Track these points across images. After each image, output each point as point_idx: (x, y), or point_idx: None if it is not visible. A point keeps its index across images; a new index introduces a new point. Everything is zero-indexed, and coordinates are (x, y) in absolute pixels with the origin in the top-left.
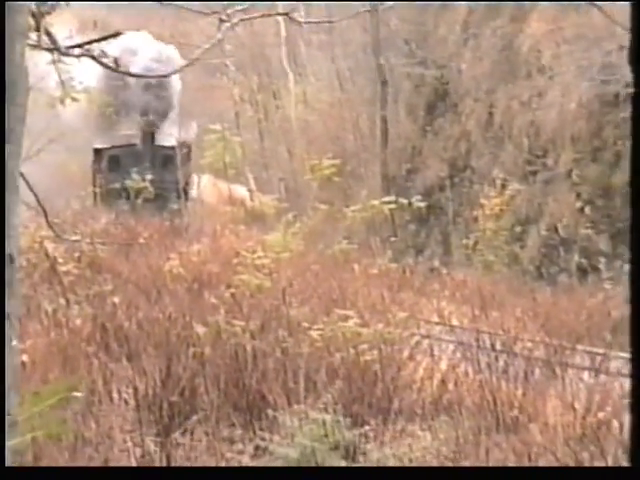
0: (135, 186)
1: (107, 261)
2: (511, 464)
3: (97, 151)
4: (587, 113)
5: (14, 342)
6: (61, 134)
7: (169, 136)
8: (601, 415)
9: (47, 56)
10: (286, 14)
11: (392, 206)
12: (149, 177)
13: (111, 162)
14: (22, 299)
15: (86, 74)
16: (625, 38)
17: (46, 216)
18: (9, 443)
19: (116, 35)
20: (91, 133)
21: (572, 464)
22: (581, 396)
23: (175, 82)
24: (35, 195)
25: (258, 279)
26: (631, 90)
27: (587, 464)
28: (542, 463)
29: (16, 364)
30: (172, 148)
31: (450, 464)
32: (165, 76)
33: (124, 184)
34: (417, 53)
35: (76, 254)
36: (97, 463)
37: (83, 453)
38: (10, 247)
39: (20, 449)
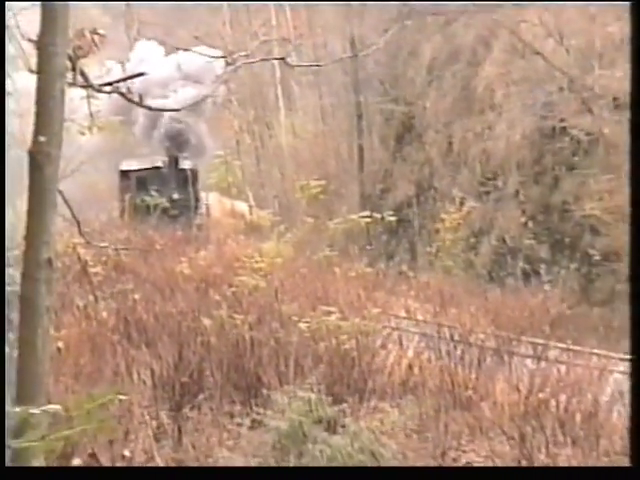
0: (154, 202)
1: (129, 264)
2: (465, 436)
3: (124, 172)
4: (530, 143)
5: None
6: (90, 158)
7: (185, 160)
8: (541, 395)
9: (79, 91)
10: (282, 59)
11: (368, 220)
12: (175, 196)
13: (139, 182)
14: (57, 296)
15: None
16: (563, 81)
17: (79, 226)
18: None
19: (140, 75)
20: (115, 157)
21: (515, 435)
22: (524, 379)
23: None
24: (70, 208)
25: (255, 280)
26: (566, 124)
27: (527, 436)
28: (491, 435)
29: (52, 350)
30: (189, 170)
31: (415, 436)
32: (178, 110)
33: (146, 200)
34: (389, 92)
35: (103, 258)
36: (120, 433)
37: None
38: (48, 252)
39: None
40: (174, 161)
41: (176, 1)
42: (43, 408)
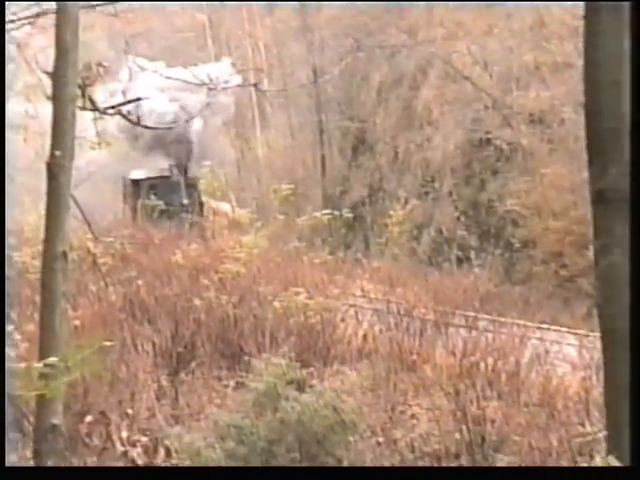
0: (166, 207)
1: (132, 255)
2: (411, 393)
3: (134, 181)
4: (461, 152)
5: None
6: (99, 168)
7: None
8: (473, 358)
9: (88, 113)
10: (255, 85)
11: (329, 216)
12: (185, 201)
13: (150, 189)
14: (74, 283)
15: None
16: (488, 101)
17: (89, 225)
18: (66, 379)
19: (138, 100)
20: (119, 168)
21: (451, 392)
22: (459, 346)
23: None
24: (81, 211)
25: (237, 267)
26: (490, 136)
27: (461, 392)
28: (431, 392)
29: (70, 327)
30: (193, 178)
31: (369, 394)
32: (170, 128)
33: (158, 205)
34: (345, 112)
35: (111, 251)
36: (127, 395)
37: (118, 387)
38: (63, 246)
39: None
40: (183, 169)
41: (177, 1)
42: (46, 361)
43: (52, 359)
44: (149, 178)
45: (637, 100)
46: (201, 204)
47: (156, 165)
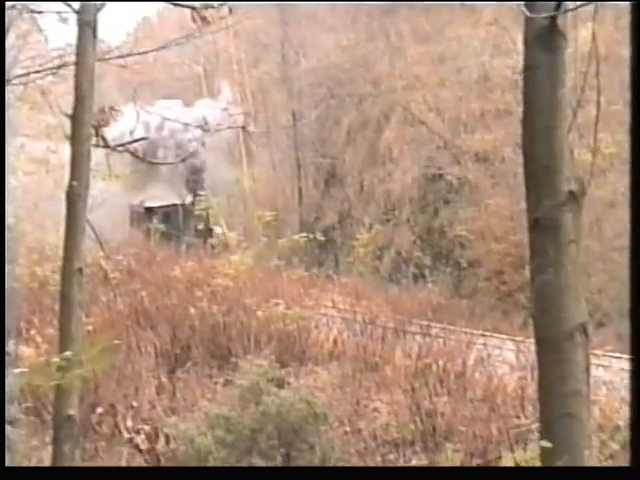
0: (154, 227)
1: (137, 271)
2: (373, 390)
3: (148, 209)
4: (417, 185)
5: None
6: (111, 196)
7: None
8: (426, 360)
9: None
10: (243, 127)
11: (305, 239)
12: (200, 227)
13: (164, 216)
14: (87, 294)
15: None
16: (440, 142)
17: (101, 245)
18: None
19: (143, 139)
20: (126, 197)
21: (408, 389)
22: (414, 349)
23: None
24: (95, 232)
25: (226, 282)
26: (442, 172)
27: (416, 389)
28: (391, 389)
29: (84, 331)
30: (205, 208)
31: (338, 390)
32: (173, 163)
33: (156, 228)
34: (319, 150)
35: (120, 267)
36: (132, 390)
37: (124, 383)
38: (80, 263)
39: (86, 379)
40: (197, 195)
41: (178, 1)
42: (63, 355)
43: (68, 353)
44: (161, 206)
45: (637, 100)
46: (210, 230)
47: (160, 194)
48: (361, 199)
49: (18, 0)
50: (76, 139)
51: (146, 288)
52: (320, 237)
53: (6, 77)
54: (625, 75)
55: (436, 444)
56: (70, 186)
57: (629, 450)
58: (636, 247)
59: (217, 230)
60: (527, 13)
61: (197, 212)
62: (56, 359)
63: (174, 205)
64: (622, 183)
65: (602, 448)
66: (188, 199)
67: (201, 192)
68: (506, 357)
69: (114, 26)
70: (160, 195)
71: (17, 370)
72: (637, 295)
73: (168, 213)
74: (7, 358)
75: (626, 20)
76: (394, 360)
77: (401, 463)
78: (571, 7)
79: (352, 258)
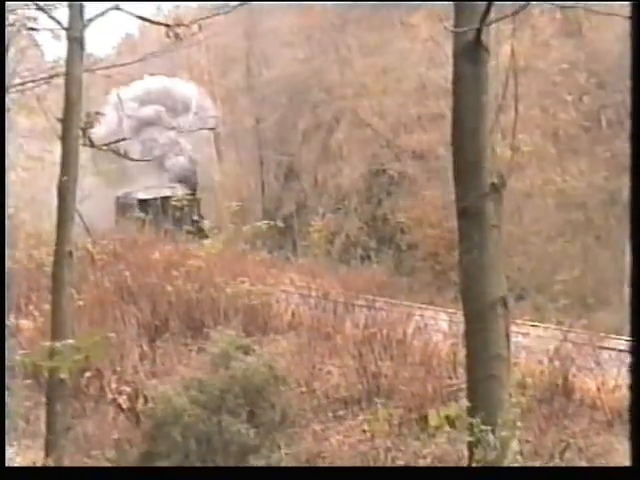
0: (141, 217)
1: (122, 253)
2: (327, 356)
3: (141, 200)
4: (364, 179)
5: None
6: (97, 188)
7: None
8: (372, 330)
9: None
10: (212, 129)
11: (267, 225)
12: (195, 217)
13: (146, 206)
14: (78, 274)
15: None
16: (384, 141)
17: (88, 231)
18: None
19: (124, 139)
20: (110, 190)
21: (356, 354)
22: (362, 320)
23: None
24: (83, 221)
25: (199, 263)
26: (385, 167)
27: (363, 355)
28: (342, 354)
29: (75, 306)
30: (196, 199)
31: (296, 356)
32: (150, 160)
33: (137, 216)
34: (279, 149)
35: (106, 251)
36: (117, 357)
37: (110, 351)
38: (69, 247)
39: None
40: (193, 189)
41: (178, 1)
42: (63, 342)
43: (70, 341)
44: (157, 198)
45: (637, 101)
46: (201, 217)
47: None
48: (315, 191)
49: (18, 0)
50: (66, 140)
51: (129, 269)
52: (280, 224)
53: (6, 86)
54: (541, 84)
55: (379, 401)
56: (61, 181)
57: (629, 450)
58: (636, 247)
59: (194, 218)
60: (450, 29)
61: (173, 202)
62: (58, 345)
63: (168, 197)
64: (538, 177)
65: (517, 405)
66: (179, 191)
67: (194, 185)
68: (440, 326)
69: (101, 40)
70: (149, 187)
71: (21, 352)
72: (637, 294)
73: (150, 203)
74: (7, 330)
75: (543, 37)
76: (344, 330)
77: (349, 418)
78: (492, 21)
79: (308, 242)
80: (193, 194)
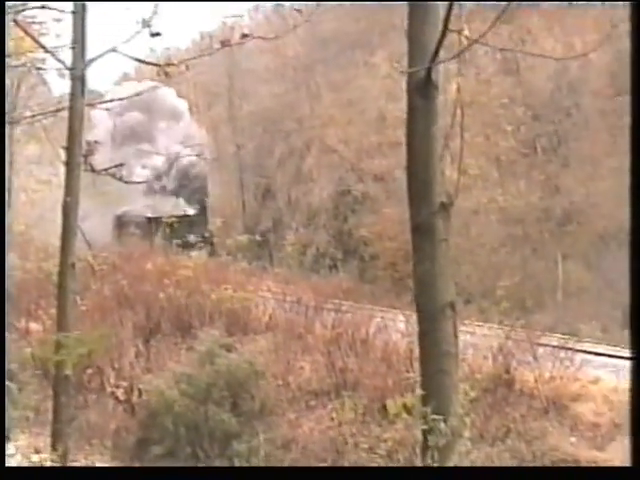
0: (135, 233)
1: (120, 265)
2: (299, 353)
3: (149, 219)
4: (332, 199)
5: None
6: (98, 208)
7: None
8: (339, 330)
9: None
10: (198, 155)
11: (247, 239)
12: (207, 235)
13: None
14: (81, 283)
15: None
16: (349, 165)
17: (89, 245)
18: (80, 350)
19: (121, 165)
20: (110, 208)
21: (325, 352)
22: (330, 322)
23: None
24: (84, 236)
25: (187, 272)
26: (350, 188)
27: (332, 352)
28: (312, 352)
29: (79, 311)
30: (197, 215)
31: (273, 354)
32: (144, 182)
33: (132, 232)
34: (258, 172)
35: (106, 262)
36: (116, 355)
37: (110, 350)
38: (72, 259)
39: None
40: (204, 209)
41: (175, 1)
42: (69, 335)
43: (76, 333)
44: (169, 216)
45: (637, 102)
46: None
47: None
48: (289, 209)
49: (18, 0)
50: (69, 165)
51: (126, 278)
52: (258, 238)
53: (16, 119)
54: (484, 116)
55: (346, 393)
56: (65, 201)
57: (630, 450)
58: (636, 247)
59: (204, 234)
60: (400, 69)
61: (164, 220)
62: (63, 337)
63: (188, 215)
64: (483, 196)
65: (465, 395)
66: (189, 209)
67: (202, 204)
68: (398, 327)
69: (102, 78)
70: (151, 206)
71: (29, 349)
72: (637, 295)
73: (144, 221)
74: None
75: (486, 75)
76: (315, 330)
77: (320, 408)
78: (441, 61)
79: (283, 254)
80: (203, 211)
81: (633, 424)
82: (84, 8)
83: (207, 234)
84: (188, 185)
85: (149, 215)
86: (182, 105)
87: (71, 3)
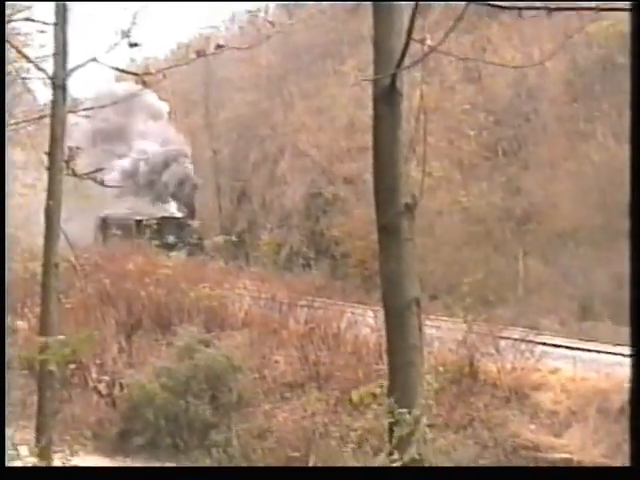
0: (117, 234)
1: (102, 264)
2: (274, 347)
3: (132, 220)
4: (304, 200)
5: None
6: (81, 211)
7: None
8: (311, 325)
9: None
10: (176, 161)
11: (224, 240)
12: (196, 236)
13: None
14: (66, 282)
15: None
16: (321, 169)
17: (71, 247)
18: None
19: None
20: (91, 212)
21: (299, 346)
22: (303, 317)
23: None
24: (66, 238)
25: (167, 271)
26: (322, 191)
27: (305, 346)
28: (287, 347)
29: (64, 308)
30: (184, 218)
31: (249, 348)
32: (122, 187)
33: (114, 234)
34: (234, 176)
35: (89, 262)
36: (99, 351)
37: (95, 343)
38: (56, 259)
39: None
40: (192, 212)
41: (172, 1)
42: (54, 338)
43: (61, 337)
44: (159, 218)
45: (637, 101)
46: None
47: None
48: (264, 211)
49: (17, 0)
50: (52, 170)
51: (109, 277)
52: (234, 238)
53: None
54: (448, 121)
55: (319, 385)
56: (47, 205)
57: (629, 450)
58: (636, 247)
59: (194, 237)
60: (361, 78)
61: (145, 222)
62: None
63: (171, 218)
64: (447, 198)
65: (428, 385)
66: (176, 212)
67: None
68: (368, 322)
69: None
70: (130, 208)
71: (17, 347)
72: (637, 295)
73: (125, 223)
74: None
75: (449, 82)
76: (289, 326)
77: (294, 399)
78: (405, 67)
79: (258, 253)
80: (191, 214)
81: (633, 424)
82: (65, 20)
83: (196, 236)
84: (171, 187)
85: (130, 217)
86: (163, 107)
87: (53, 14)
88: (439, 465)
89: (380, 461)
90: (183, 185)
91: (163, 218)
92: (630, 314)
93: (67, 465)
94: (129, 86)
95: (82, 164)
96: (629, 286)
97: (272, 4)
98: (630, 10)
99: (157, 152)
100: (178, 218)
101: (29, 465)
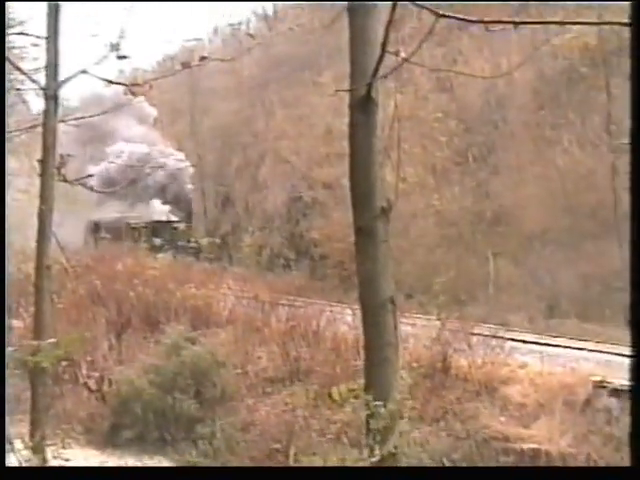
0: (106, 237)
1: (93, 266)
2: (257, 345)
3: (122, 224)
4: (286, 205)
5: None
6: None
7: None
8: (292, 323)
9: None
10: (162, 166)
11: (208, 242)
12: (184, 239)
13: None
14: (58, 283)
15: None
16: (300, 175)
17: (62, 249)
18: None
19: (90, 176)
20: (81, 215)
21: (281, 343)
22: (284, 316)
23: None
24: (57, 241)
25: (155, 272)
26: (302, 195)
27: (286, 343)
28: (269, 344)
29: (56, 308)
30: (171, 221)
31: (233, 345)
32: (115, 190)
33: (103, 237)
34: (218, 181)
35: (80, 264)
36: (90, 348)
37: (86, 343)
38: (48, 262)
39: (60, 355)
40: (190, 215)
41: (170, 1)
42: (47, 341)
43: (52, 340)
44: (153, 222)
45: (637, 101)
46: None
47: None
48: (246, 214)
49: (17, 0)
50: (44, 176)
51: (99, 278)
52: (218, 241)
53: None
54: (421, 129)
55: (299, 379)
56: (40, 209)
57: (629, 450)
58: (636, 247)
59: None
60: (334, 88)
61: (132, 225)
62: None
63: (164, 222)
64: (420, 202)
65: (402, 380)
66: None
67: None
68: (346, 320)
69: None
70: (120, 212)
71: (11, 348)
72: (637, 295)
73: (115, 226)
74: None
75: (423, 92)
76: (271, 324)
77: (275, 394)
78: (379, 77)
79: (241, 255)
80: (189, 218)
81: (633, 424)
82: (57, 33)
83: (183, 238)
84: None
85: (120, 220)
86: (152, 112)
87: (44, 29)
88: (413, 456)
89: (357, 453)
90: (181, 187)
91: (151, 222)
92: (630, 314)
93: (60, 459)
94: (117, 89)
95: (71, 168)
96: (629, 286)
97: (253, 17)
98: (629, 9)
99: (147, 154)
100: (165, 221)
101: (25, 463)
